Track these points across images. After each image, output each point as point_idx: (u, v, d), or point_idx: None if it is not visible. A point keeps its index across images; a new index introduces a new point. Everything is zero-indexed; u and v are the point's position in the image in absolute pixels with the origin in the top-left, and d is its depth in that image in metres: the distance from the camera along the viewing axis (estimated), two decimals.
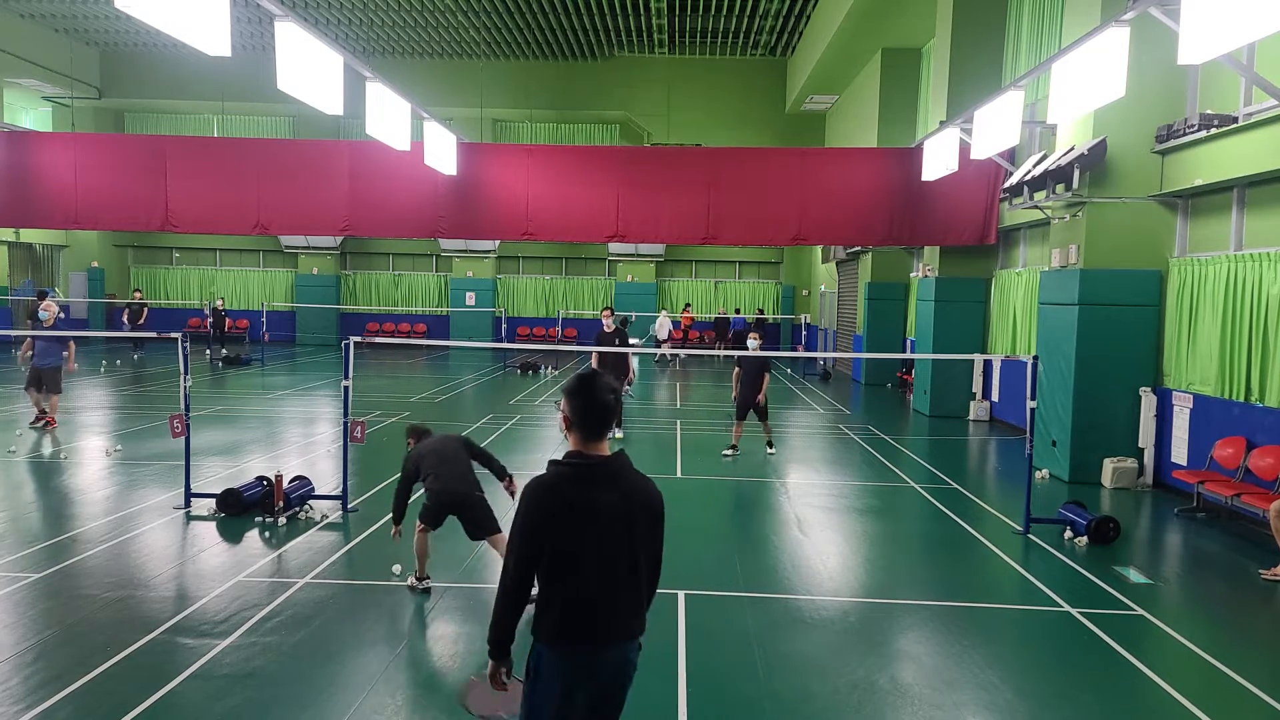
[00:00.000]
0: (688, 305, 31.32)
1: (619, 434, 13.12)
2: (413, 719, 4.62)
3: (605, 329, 12.82)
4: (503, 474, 6.57)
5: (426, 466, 6.38)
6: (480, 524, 6.34)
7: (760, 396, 11.75)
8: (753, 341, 12.27)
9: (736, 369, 12.11)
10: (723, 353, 22.83)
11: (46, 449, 11.28)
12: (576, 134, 31.00)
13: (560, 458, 3.02)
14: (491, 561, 7.18)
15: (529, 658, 3.04)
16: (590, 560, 2.93)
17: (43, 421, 12.57)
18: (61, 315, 16.46)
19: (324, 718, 4.57)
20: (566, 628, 2.95)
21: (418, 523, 6.38)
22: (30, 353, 12.73)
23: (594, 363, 13.15)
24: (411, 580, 6.50)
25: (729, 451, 12.00)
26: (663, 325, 27.49)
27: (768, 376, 11.90)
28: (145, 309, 26.84)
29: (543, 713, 3.01)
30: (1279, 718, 4.86)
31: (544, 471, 3.02)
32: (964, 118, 12.58)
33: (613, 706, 3.10)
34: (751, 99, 28.45)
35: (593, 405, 2.96)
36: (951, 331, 15.95)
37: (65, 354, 12.80)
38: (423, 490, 6.43)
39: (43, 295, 15.84)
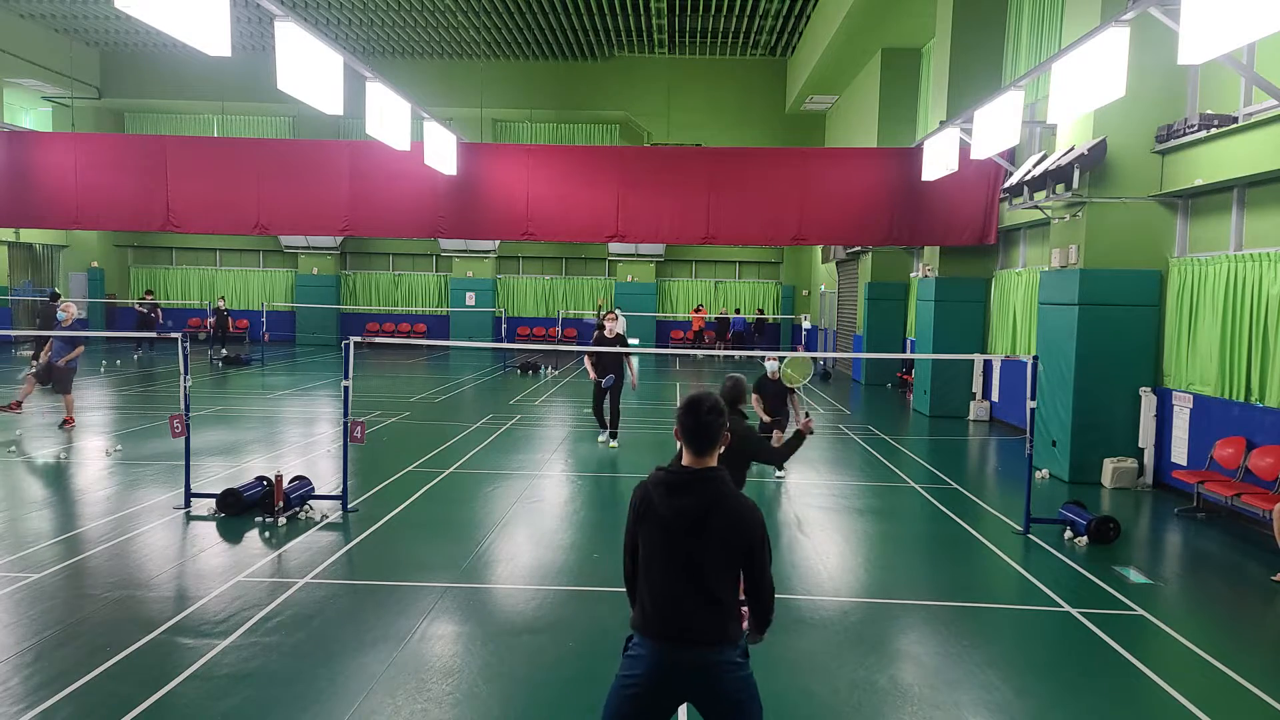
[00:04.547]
0: (700, 306, 31.34)
1: (612, 443, 12.29)
2: None
3: (606, 334, 12.20)
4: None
5: None
6: None
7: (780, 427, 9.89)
8: (770, 364, 10.29)
9: (755, 395, 10.17)
10: (722, 353, 22.55)
11: (46, 449, 11.28)
12: (576, 134, 31.00)
13: (667, 464, 3.29)
14: (492, 561, 7.19)
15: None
16: (658, 561, 3.14)
17: (72, 424, 12.64)
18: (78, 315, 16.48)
19: (324, 718, 4.56)
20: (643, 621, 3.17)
21: None
22: (48, 353, 12.79)
23: (588, 364, 12.32)
24: None
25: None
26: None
27: (792, 399, 10.46)
28: (157, 308, 26.98)
29: (618, 695, 3.13)
30: (1278, 718, 4.86)
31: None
32: (964, 118, 12.58)
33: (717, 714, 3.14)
34: (751, 99, 28.46)
35: (695, 424, 3.21)
36: (951, 331, 15.95)
37: (73, 352, 12.78)
38: None
39: (55, 297, 15.80)
